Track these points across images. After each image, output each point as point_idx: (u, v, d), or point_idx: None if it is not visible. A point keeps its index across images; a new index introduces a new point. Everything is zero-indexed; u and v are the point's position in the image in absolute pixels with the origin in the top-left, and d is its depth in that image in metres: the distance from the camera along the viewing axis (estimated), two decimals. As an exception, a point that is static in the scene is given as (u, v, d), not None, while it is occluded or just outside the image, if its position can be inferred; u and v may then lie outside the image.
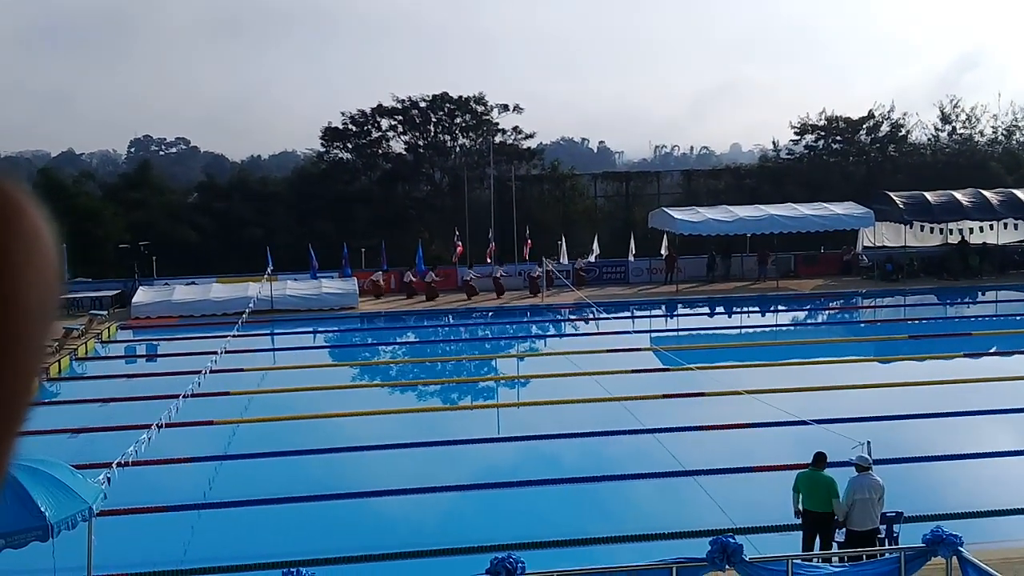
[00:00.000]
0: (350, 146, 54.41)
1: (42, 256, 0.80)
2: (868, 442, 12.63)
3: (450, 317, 35.50)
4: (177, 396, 19.26)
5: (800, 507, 12.07)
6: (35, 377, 0.81)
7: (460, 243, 38.96)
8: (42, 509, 9.52)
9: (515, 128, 54.24)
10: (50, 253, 0.81)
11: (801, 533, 12.15)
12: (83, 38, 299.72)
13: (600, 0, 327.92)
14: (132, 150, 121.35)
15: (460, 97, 53.69)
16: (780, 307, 36.53)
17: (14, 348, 0.77)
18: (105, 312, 34.29)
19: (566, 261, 39.52)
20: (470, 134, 54.33)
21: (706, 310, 36.05)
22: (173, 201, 52.52)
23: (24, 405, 0.80)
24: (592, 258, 41.49)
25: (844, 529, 11.91)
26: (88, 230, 44.66)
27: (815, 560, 11.15)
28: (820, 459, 12.15)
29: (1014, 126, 57.33)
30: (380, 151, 54.54)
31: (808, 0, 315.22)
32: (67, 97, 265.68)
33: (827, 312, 36.27)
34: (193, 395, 20.23)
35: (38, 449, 12.73)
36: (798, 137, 56.30)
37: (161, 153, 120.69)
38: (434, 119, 53.93)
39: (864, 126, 55.62)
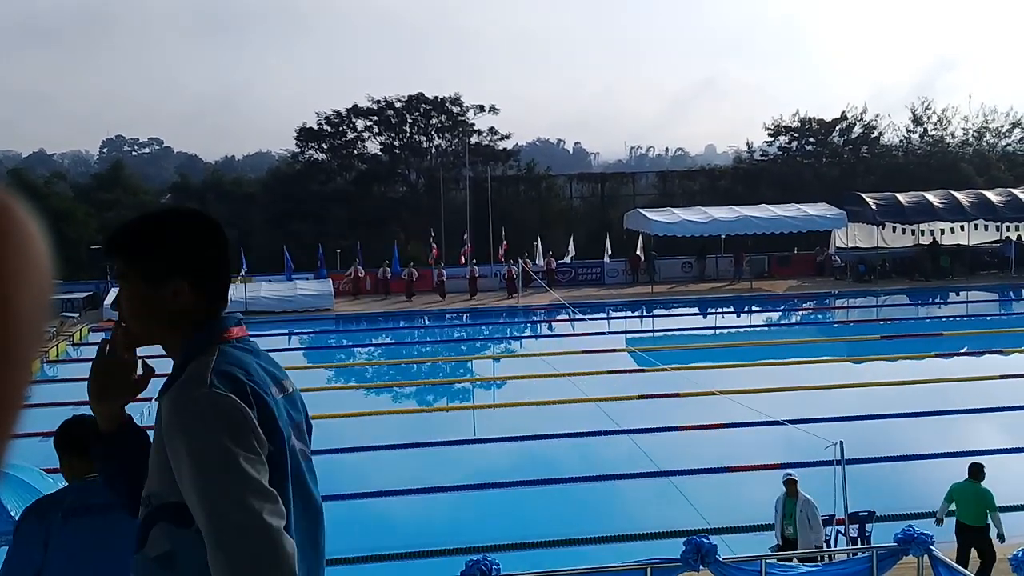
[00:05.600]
0: (325, 147, 54.21)
1: (36, 260, 0.80)
2: (841, 442, 12.68)
3: (426, 319, 35.43)
4: (149, 400, 19.06)
5: (943, 516, 11.73)
6: (30, 378, 0.81)
7: (436, 244, 38.91)
8: (11, 513, 9.39)
9: (491, 129, 54.32)
10: (44, 257, 0.81)
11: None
12: (55, 37, 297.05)
13: (577, 1, 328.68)
14: (104, 150, 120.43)
15: (436, 98, 53.64)
16: (754, 308, 36.74)
17: (9, 350, 0.77)
18: (76, 314, 33.96)
19: (541, 262, 39.57)
20: (446, 135, 54.28)
21: (681, 311, 36.19)
22: (146, 202, 52.02)
23: (18, 406, 0.80)
24: (568, 259, 41.54)
25: (776, 533, 11.89)
26: (59, 231, 44.18)
27: (792, 560, 11.20)
28: (977, 470, 11.70)
29: (984, 128, 58.00)
30: (355, 152, 54.39)
31: (787, 3, 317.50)
32: (39, 97, 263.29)
33: (800, 313, 36.52)
34: (166, 398, 20.05)
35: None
36: (772, 139, 56.69)
37: (134, 153, 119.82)
38: (410, 120, 53.84)
39: (837, 128, 56.05)
